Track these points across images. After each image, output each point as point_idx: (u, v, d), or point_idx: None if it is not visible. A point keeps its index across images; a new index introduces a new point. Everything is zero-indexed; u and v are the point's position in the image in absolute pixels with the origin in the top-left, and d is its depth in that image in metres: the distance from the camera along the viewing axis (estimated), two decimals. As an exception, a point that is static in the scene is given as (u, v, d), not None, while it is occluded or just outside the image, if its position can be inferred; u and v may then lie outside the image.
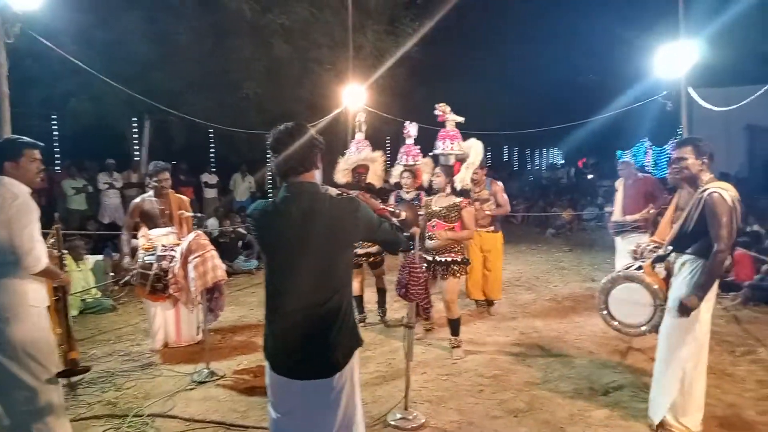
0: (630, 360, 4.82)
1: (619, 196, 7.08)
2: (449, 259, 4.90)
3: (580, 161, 32.51)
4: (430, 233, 4.91)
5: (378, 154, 5.91)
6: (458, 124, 5.38)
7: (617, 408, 3.88)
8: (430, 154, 5.62)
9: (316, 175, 2.43)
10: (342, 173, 5.83)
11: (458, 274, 4.94)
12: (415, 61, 13.85)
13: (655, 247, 4.87)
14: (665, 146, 23.71)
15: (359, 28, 11.72)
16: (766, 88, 6.55)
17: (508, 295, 7.15)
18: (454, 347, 5.04)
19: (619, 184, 7.16)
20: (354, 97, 8.94)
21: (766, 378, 4.36)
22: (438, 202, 5.00)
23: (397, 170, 5.98)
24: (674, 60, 7.22)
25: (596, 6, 20.93)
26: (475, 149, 5.20)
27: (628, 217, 6.83)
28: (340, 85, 9.80)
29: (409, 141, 6.01)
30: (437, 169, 5.13)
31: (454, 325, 5.07)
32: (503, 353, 5.09)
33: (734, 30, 12.44)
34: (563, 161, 35.22)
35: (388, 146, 15.40)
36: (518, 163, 34.88)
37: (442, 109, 5.33)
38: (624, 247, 6.79)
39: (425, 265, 4.79)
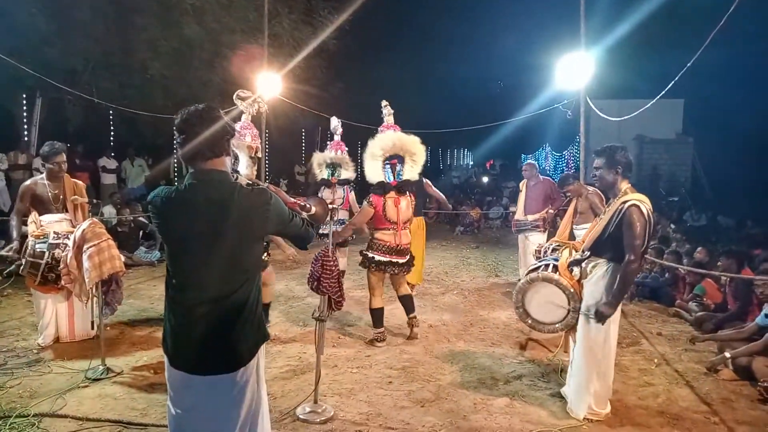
0: (529, 351, 5.10)
1: (521, 197, 7.53)
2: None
3: (488, 163, 34.13)
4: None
5: (254, 143, 4.71)
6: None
7: (516, 396, 4.09)
8: None
9: (227, 163, 2.29)
10: None
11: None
12: (333, 54, 13.76)
13: (557, 246, 5.19)
14: (564, 152, 25.44)
15: (275, 15, 11.43)
16: (651, 102, 7.14)
17: (419, 288, 7.31)
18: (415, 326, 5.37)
19: (523, 185, 7.61)
20: (269, 85, 8.71)
21: (647, 367, 4.77)
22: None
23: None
24: (574, 72, 7.71)
25: (505, 18, 22.14)
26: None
27: (530, 217, 7.30)
28: (253, 72, 9.50)
29: (337, 137, 6.70)
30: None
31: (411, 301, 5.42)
32: (412, 345, 5.20)
33: (625, 48, 13.49)
34: (472, 162, 36.78)
35: (303, 138, 15.21)
36: (431, 162, 35.94)
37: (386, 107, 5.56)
38: (525, 244, 7.24)
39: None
